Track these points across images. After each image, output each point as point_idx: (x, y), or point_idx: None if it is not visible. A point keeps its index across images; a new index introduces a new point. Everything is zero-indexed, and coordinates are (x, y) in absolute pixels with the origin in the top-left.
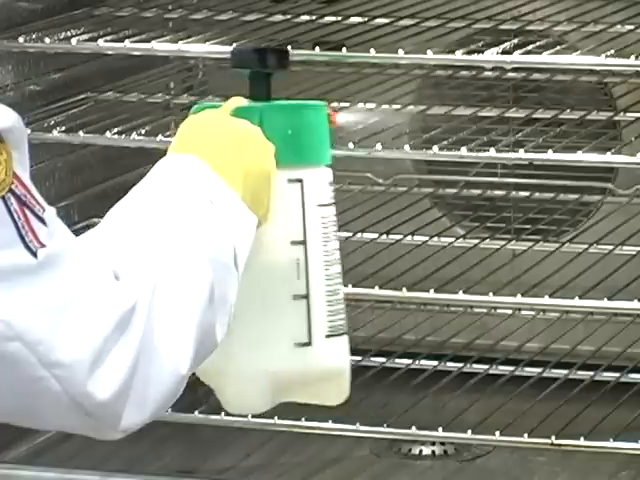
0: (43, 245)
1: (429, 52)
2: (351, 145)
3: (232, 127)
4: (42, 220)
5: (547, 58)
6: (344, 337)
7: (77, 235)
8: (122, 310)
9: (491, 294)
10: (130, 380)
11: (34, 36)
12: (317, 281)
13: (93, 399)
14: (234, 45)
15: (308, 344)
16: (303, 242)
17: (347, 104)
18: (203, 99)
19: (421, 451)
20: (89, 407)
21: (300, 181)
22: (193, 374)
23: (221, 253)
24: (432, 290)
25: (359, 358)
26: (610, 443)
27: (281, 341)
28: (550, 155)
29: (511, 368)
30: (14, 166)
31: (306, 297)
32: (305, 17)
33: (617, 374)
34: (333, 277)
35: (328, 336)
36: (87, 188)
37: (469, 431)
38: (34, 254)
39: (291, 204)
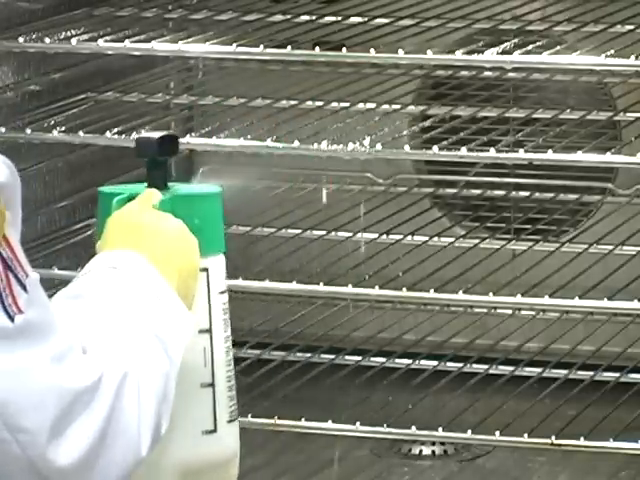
0: (21, 311)
1: (429, 52)
2: (351, 145)
3: (163, 225)
4: (24, 286)
5: (547, 58)
6: (237, 421)
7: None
8: (85, 384)
9: (491, 294)
10: (94, 453)
11: (34, 36)
12: (220, 368)
13: (52, 465)
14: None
15: (214, 431)
16: (209, 330)
17: (347, 104)
18: (203, 99)
19: (421, 451)
20: (47, 472)
21: (206, 270)
22: None
23: (171, 348)
24: (432, 290)
25: (359, 358)
26: (610, 443)
27: (189, 429)
28: (550, 155)
29: (511, 368)
30: (5, 227)
31: (212, 385)
32: (305, 17)
33: (617, 374)
34: (231, 363)
35: (229, 421)
36: (87, 188)
37: (469, 431)
38: (11, 319)
39: (198, 293)
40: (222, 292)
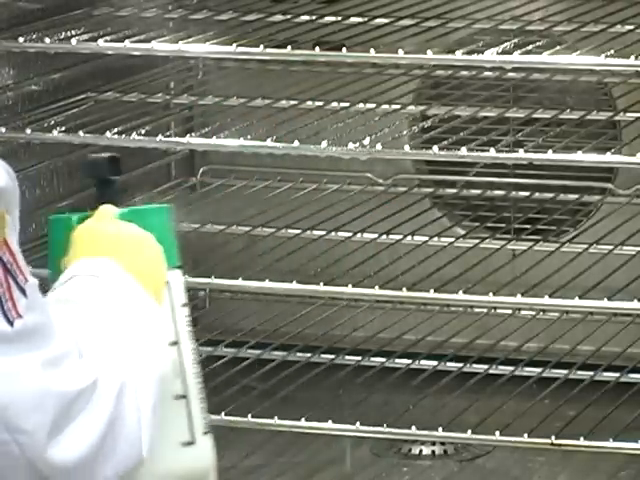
0: (20, 316)
1: (429, 52)
2: (351, 145)
3: (130, 233)
4: (23, 291)
5: (547, 58)
6: (210, 433)
7: None
8: (82, 386)
9: (491, 294)
10: (95, 453)
11: (34, 36)
12: (191, 380)
13: (52, 465)
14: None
15: (192, 443)
16: (176, 343)
17: (347, 104)
18: (203, 99)
19: (421, 451)
20: (48, 472)
21: (167, 283)
22: None
23: (159, 352)
24: (432, 290)
25: (359, 358)
26: (610, 443)
27: (167, 442)
28: (550, 155)
29: (511, 368)
30: (5, 232)
31: (185, 396)
32: (305, 17)
33: (617, 374)
34: (199, 375)
35: (205, 433)
36: (87, 188)
37: (469, 431)
38: (10, 323)
39: (163, 306)
40: (184, 305)
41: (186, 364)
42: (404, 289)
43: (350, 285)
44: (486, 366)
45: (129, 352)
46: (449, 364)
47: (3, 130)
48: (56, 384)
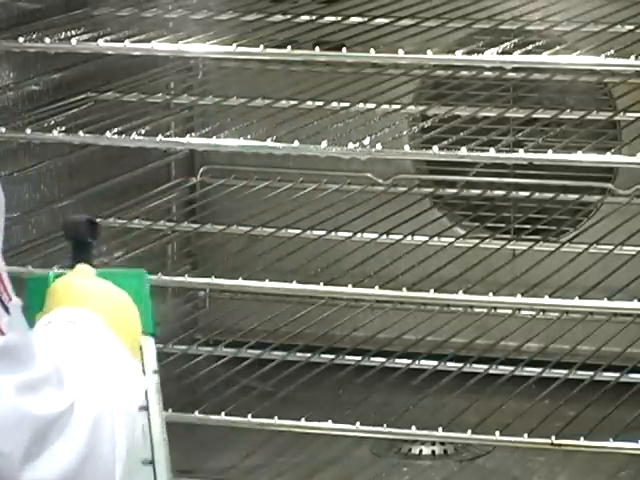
0: (2, 333)
1: (429, 52)
2: (351, 145)
3: (108, 289)
4: (6, 308)
5: (547, 58)
6: None
7: None
8: (58, 410)
9: (491, 294)
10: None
11: (34, 36)
12: (159, 446)
13: None
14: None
15: None
16: (146, 407)
17: (347, 104)
18: (203, 99)
19: (421, 451)
20: None
21: (140, 348)
22: None
23: (133, 401)
24: (432, 290)
25: (359, 358)
26: (610, 443)
27: None
28: (550, 155)
29: (511, 368)
30: None
31: (152, 462)
32: (305, 17)
33: (617, 374)
34: (167, 442)
35: None
36: (87, 188)
37: (469, 431)
38: None
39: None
40: (155, 372)
41: (154, 430)
42: (404, 289)
43: (350, 285)
44: (486, 366)
45: (106, 386)
46: (449, 364)
47: (3, 130)
48: (33, 408)
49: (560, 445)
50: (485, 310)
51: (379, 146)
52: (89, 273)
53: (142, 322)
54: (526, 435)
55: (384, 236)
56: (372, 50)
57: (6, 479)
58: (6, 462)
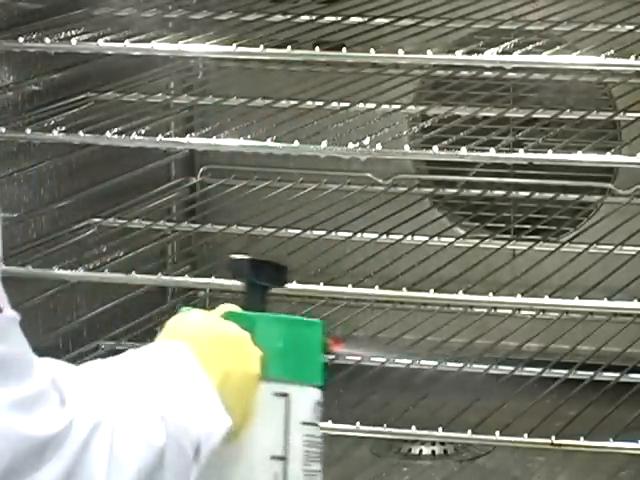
0: None
1: (429, 52)
2: (351, 145)
3: (219, 327)
4: None
5: (547, 58)
6: None
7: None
8: (50, 431)
9: (491, 294)
10: None
11: (34, 36)
12: None
13: None
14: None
15: None
16: (283, 458)
17: (347, 104)
18: (203, 99)
19: (421, 451)
20: None
21: (286, 395)
22: None
23: (181, 434)
24: (432, 290)
25: (359, 358)
26: (610, 443)
27: None
28: (550, 155)
29: (511, 368)
30: None
31: None
32: (305, 17)
33: (617, 374)
34: None
35: None
36: (87, 188)
37: (469, 431)
38: None
39: (274, 418)
40: (306, 423)
41: None
42: (404, 289)
43: (350, 285)
44: (486, 366)
45: (123, 409)
46: (449, 364)
47: (3, 130)
48: (16, 427)
49: (560, 445)
50: (485, 310)
51: (379, 146)
52: (218, 312)
53: (300, 371)
54: (526, 435)
55: (384, 236)
56: (372, 50)
57: None
58: None
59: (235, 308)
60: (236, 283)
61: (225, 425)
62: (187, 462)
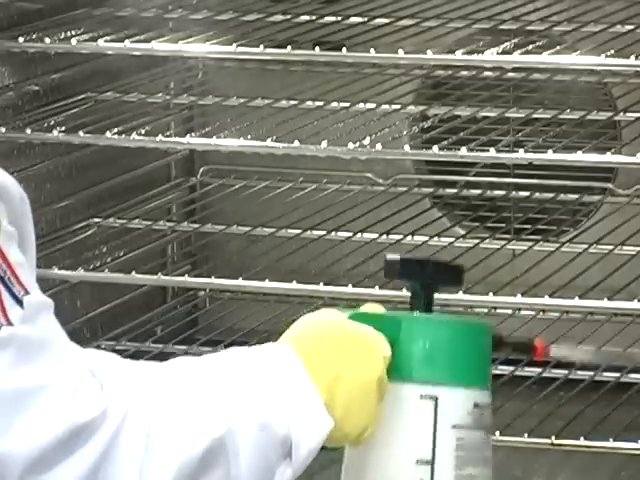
0: (10, 324)
1: (429, 52)
2: (351, 145)
3: (341, 328)
4: (19, 301)
5: (547, 58)
6: None
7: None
8: (76, 423)
9: (491, 294)
10: None
11: (34, 36)
12: None
13: None
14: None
15: None
16: (430, 462)
17: (347, 104)
18: (203, 99)
19: None
20: None
21: (435, 399)
22: None
23: (256, 429)
24: None
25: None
26: (610, 443)
27: None
28: (550, 155)
29: (511, 368)
30: (1, 240)
31: None
32: (305, 17)
33: (617, 374)
34: None
35: None
36: (87, 188)
37: None
38: None
39: (421, 421)
40: (459, 426)
41: None
42: (404, 289)
43: (350, 285)
44: None
45: (183, 406)
46: None
47: (3, 130)
48: (43, 411)
49: (560, 445)
50: (485, 310)
51: (379, 146)
52: (347, 313)
53: (450, 373)
54: (526, 435)
55: (384, 236)
56: (372, 50)
57: None
58: (4, 470)
59: (379, 308)
60: (236, 283)
61: (326, 426)
62: (268, 458)
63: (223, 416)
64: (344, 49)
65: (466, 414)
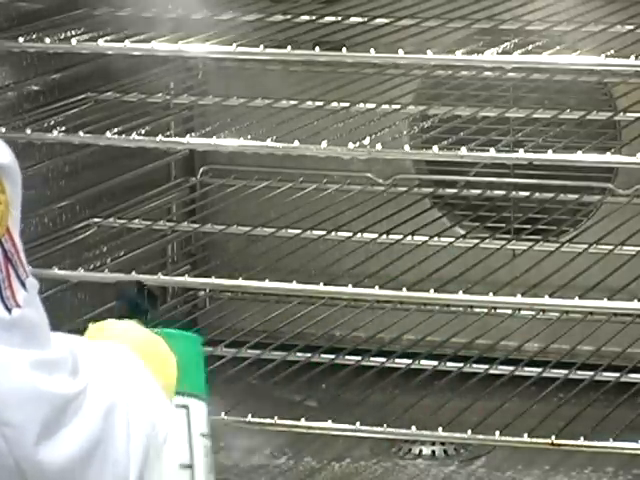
0: (19, 306)
1: (429, 52)
2: (351, 145)
3: (147, 332)
4: (23, 284)
5: (547, 58)
6: None
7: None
8: (72, 391)
9: (491, 294)
10: (81, 465)
11: (34, 36)
12: None
13: (37, 468)
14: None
15: None
16: (190, 466)
17: (347, 104)
18: (203, 99)
19: (421, 451)
20: (31, 475)
21: (186, 408)
22: None
23: (160, 425)
24: (432, 290)
25: (359, 358)
26: (610, 443)
27: None
28: (550, 155)
29: (511, 368)
30: (8, 220)
31: None
32: (305, 17)
33: (617, 374)
34: None
35: None
36: (87, 188)
37: (469, 431)
38: (8, 310)
39: (179, 428)
40: (204, 435)
41: None
42: (404, 289)
43: (350, 285)
44: (486, 366)
45: (127, 388)
46: (449, 364)
47: (3, 130)
48: (46, 386)
49: (560, 445)
50: (485, 310)
51: (379, 146)
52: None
53: (193, 385)
54: (526, 435)
55: (384, 236)
56: (372, 50)
57: (17, 457)
58: (18, 436)
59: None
60: (236, 283)
61: (173, 419)
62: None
63: (152, 413)
64: (344, 49)
65: (206, 424)
